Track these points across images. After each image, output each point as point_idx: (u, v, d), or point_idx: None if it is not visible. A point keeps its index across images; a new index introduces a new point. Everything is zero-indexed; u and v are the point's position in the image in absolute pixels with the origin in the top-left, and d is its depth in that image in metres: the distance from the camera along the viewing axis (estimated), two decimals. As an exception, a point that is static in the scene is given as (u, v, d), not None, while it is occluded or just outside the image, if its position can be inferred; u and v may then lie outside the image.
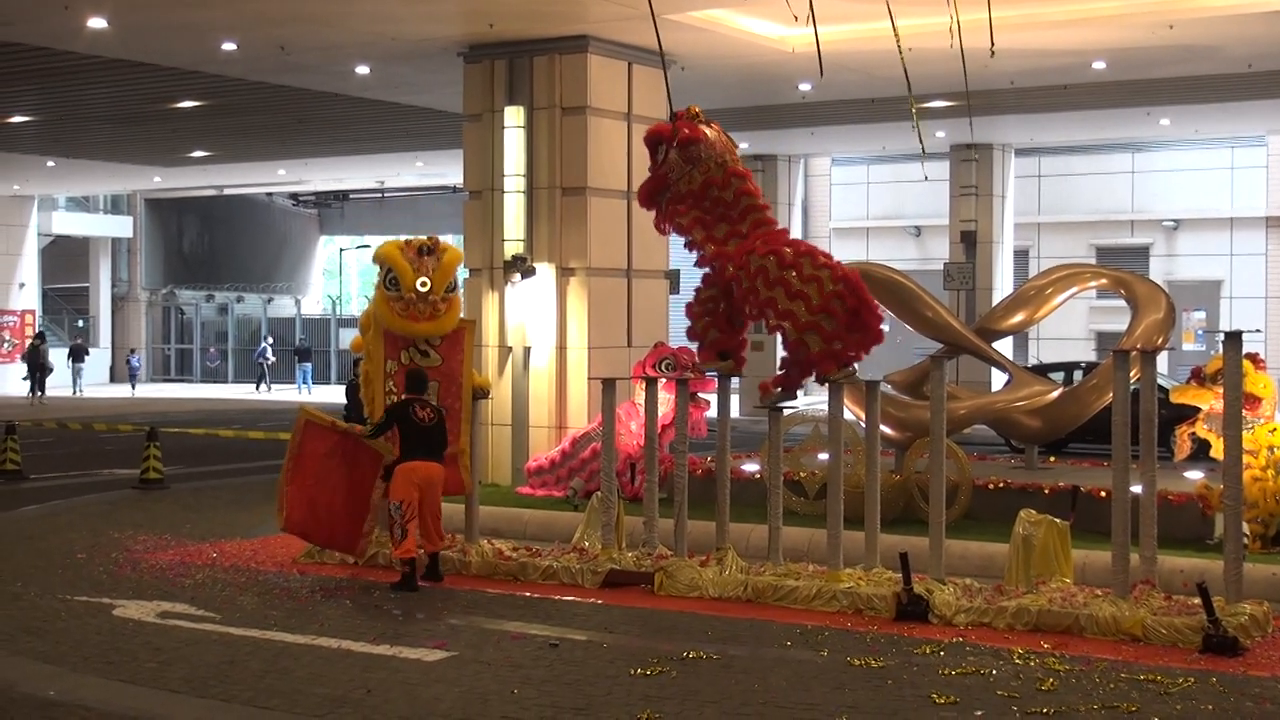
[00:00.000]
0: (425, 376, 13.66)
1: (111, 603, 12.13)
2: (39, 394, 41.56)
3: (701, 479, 15.14)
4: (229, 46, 19.87)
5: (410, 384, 13.57)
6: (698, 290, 13.10)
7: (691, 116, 13.15)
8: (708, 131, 13.01)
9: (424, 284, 13.66)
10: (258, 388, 47.52)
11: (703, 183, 12.84)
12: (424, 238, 14.03)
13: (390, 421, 13.18)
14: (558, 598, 12.42)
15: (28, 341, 44.98)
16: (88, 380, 46.93)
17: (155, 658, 10.19)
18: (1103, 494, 13.61)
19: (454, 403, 13.99)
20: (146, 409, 37.98)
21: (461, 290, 14.93)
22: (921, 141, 16.75)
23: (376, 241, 65.21)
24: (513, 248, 18.54)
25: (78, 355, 45.53)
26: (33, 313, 47.41)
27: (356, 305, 58.12)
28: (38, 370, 41.65)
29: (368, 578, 13.36)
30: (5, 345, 46.25)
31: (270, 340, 49.94)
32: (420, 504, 12.96)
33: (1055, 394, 17.33)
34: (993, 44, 13.11)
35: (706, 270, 13.01)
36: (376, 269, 14.06)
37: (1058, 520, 12.12)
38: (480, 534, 14.20)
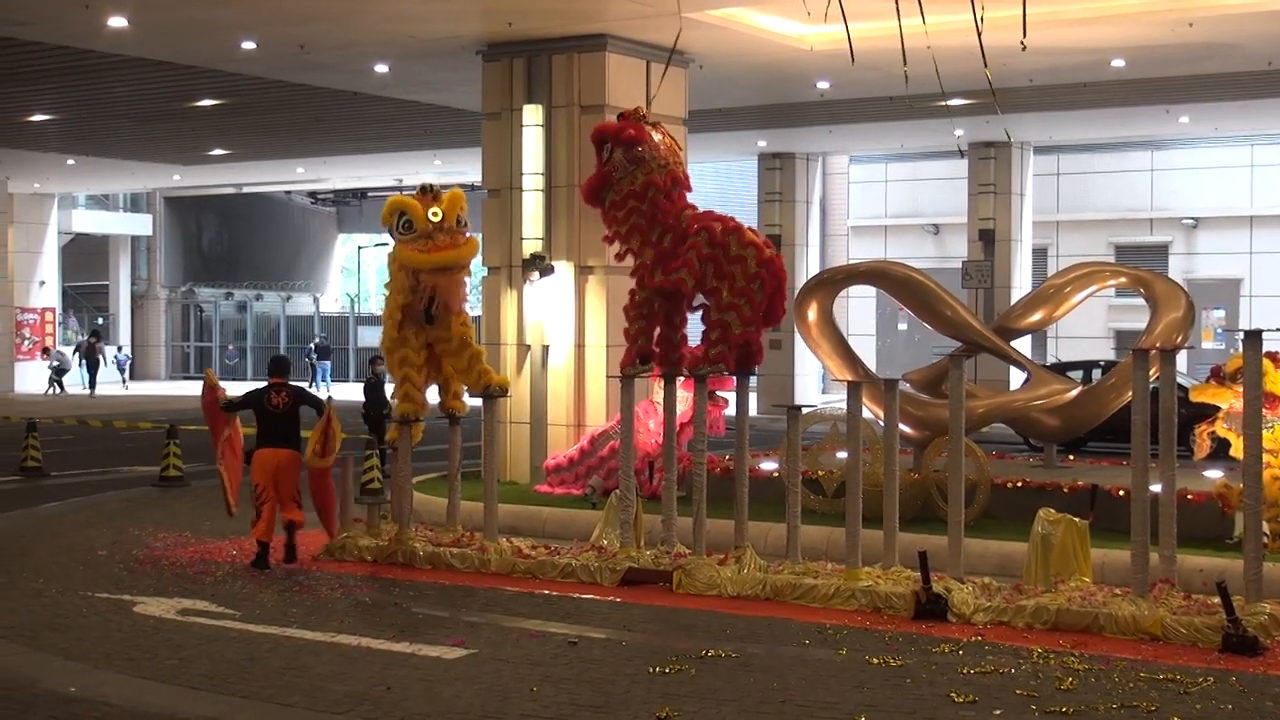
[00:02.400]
0: (286, 363, 14.83)
1: (132, 600, 12.20)
2: (92, 389, 43.80)
3: (720, 477, 15.15)
4: (248, 45, 19.93)
5: (271, 369, 14.66)
6: (632, 292, 13.53)
7: (638, 118, 13.40)
8: (654, 134, 13.25)
9: (435, 213, 13.87)
10: (311, 384, 46.99)
11: (644, 183, 13.12)
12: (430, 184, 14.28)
13: (244, 403, 14.32)
14: (576, 596, 12.44)
15: (67, 339, 46.19)
16: (105, 378, 47.17)
17: (176, 654, 10.24)
18: (1122, 493, 13.59)
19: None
20: (166, 406, 38.10)
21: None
22: (946, 103, 16.69)
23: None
24: (531, 246, 18.57)
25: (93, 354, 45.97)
26: (52, 310, 47.57)
27: (375, 303, 58.14)
28: (92, 368, 44.27)
29: (387, 575, 13.40)
30: (26, 343, 46.41)
31: (322, 337, 50.02)
32: (275, 487, 13.93)
33: (1074, 393, 17.32)
34: (1025, 36, 13.07)
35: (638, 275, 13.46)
36: (388, 233, 14.26)
37: (1077, 519, 12.10)
38: (499, 532, 14.22)
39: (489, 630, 11.05)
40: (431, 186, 14.14)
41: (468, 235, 14.07)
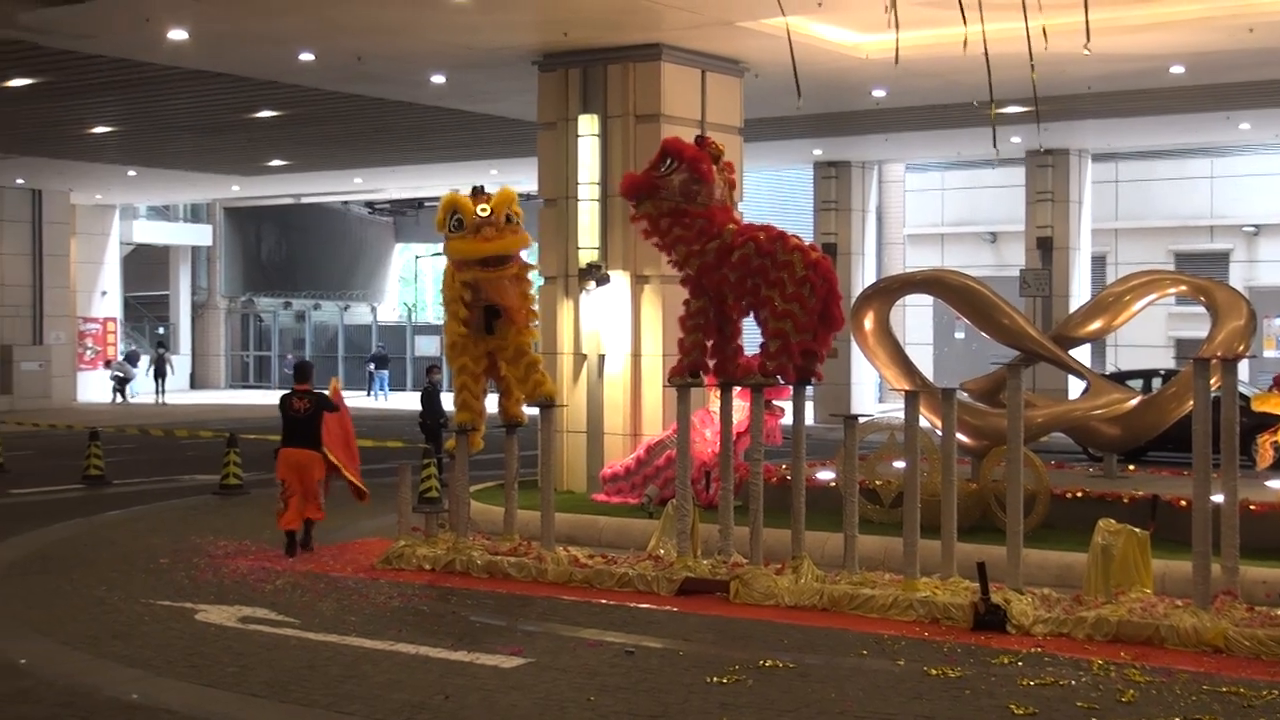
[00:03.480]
0: (308, 369, 15.92)
1: (193, 607, 12.30)
2: (162, 397, 45.11)
3: (777, 487, 15.12)
4: (306, 56, 20.09)
5: (294, 375, 15.96)
6: (686, 302, 13.45)
7: (715, 154, 13.40)
8: (716, 177, 13.27)
9: (484, 209, 14.05)
10: (369, 393, 47.23)
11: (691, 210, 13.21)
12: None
13: (280, 409, 15.48)
14: (633, 605, 12.45)
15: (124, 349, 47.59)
16: (146, 387, 47.83)
17: (236, 662, 10.32)
18: (1183, 503, 13.46)
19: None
20: (226, 415, 38.42)
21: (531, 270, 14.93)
22: (994, 133, 16.63)
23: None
24: (587, 255, 18.62)
25: (160, 364, 46.66)
26: (114, 320, 48.10)
27: (432, 312, 58.44)
28: (160, 376, 45.72)
29: (445, 583, 13.46)
30: (88, 352, 46.95)
31: (380, 346, 50.39)
32: (299, 484, 15.10)
33: (1134, 402, 17.17)
34: (1088, 40, 12.98)
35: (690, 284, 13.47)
36: (443, 233, 14.40)
37: (1137, 530, 12.00)
38: (556, 541, 14.25)
39: (546, 639, 11.07)
40: (482, 188, 14.29)
41: (515, 225, 14.17)
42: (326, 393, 15.69)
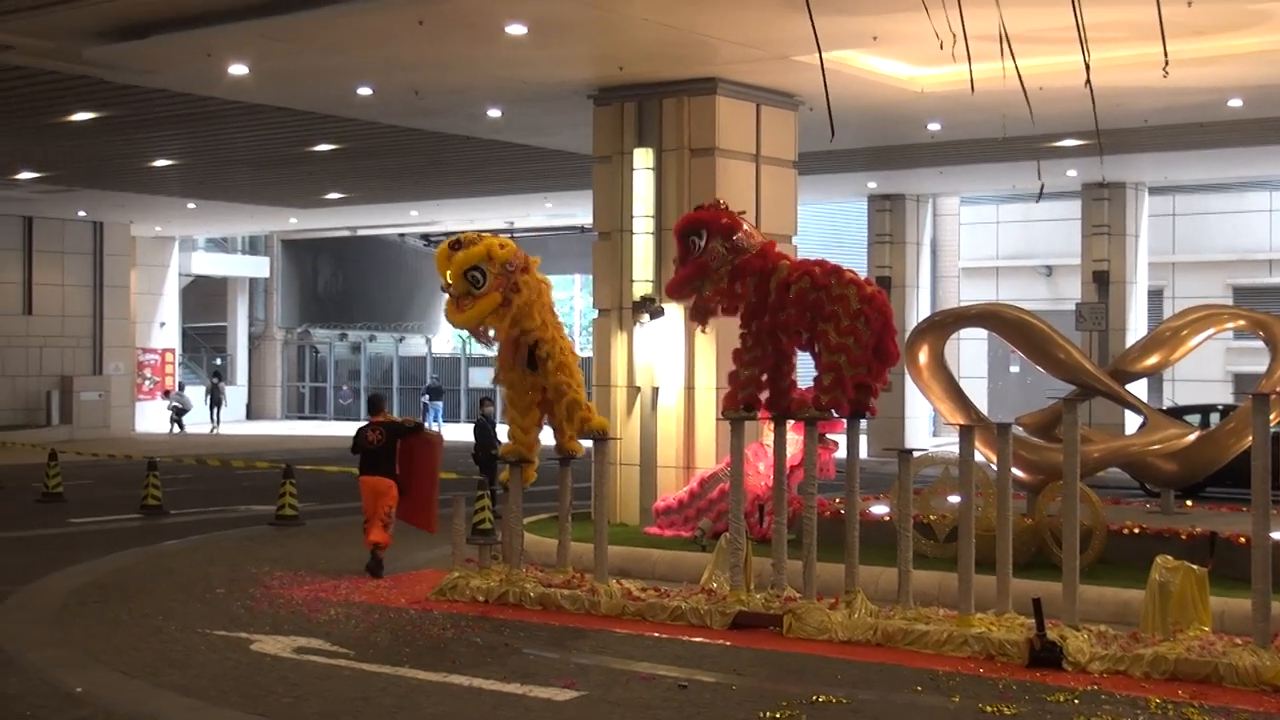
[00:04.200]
0: (379, 402, 17.22)
1: (249, 637, 12.39)
2: (216, 427, 45.96)
3: (830, 520, 15.08)
4: (364, 91, 20.29)
5: (369, 407, 17.28)
6: (743, 336, 13.50)
7: (721, 207, 13.52)
8: (741, 220, 13.46)
9: (441, 281, 13.96)
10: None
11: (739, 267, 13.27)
12: (467, 233, 14.16)
13: (356, 444, 16.52)
14: (686, 639, 12.43)
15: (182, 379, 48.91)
16: (223, 416, 48.39)
17: (291, 692, 10.38)
18: (1242, 540, 13.33)
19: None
20: (282, 445, 38.67)
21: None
22: (1040, 177, 16.58)
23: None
24: (641, 288, 18.66)
25: (216, 394, 47.28)
26: (173, 351, 48.59)
27: (486, 345, 58.61)
28: (216, 406, 46.64)
29: (498, 615, 13.49)
30: (147, 383, 47.44)
31: (435, 378, 50.72)
32: (373, 510, 16.08)
33: (1192, 437, 17.04)
34: (1166, 61, 12.92)
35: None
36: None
37: (1195, 567, 11.88)
38: (609, 574, 14.26)
39: (599, 672, 11.08)
40: (458, 240, 13.92)
41: (479, 293, 13.68)
42: (399, 419, 16.62)
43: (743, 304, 13.40)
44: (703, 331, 14.90)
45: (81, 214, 41.50)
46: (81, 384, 42.82)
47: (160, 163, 29.70)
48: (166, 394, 47.12)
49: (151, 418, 46.54)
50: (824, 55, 17.67)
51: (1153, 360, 17.32)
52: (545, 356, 14.14)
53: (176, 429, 45.20)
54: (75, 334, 43.40)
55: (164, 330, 48.23)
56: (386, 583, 15.40)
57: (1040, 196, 30.34)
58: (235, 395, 52.51)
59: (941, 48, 12.25)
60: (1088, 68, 12.44)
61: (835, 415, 13.22)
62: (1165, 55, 12.56)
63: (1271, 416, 11.60)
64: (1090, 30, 15.41)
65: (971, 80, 13.22)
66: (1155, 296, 36.74)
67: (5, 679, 10.93)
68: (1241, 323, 17.46)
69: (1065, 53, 15.17)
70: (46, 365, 42.68)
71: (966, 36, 12.12)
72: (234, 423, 48.58)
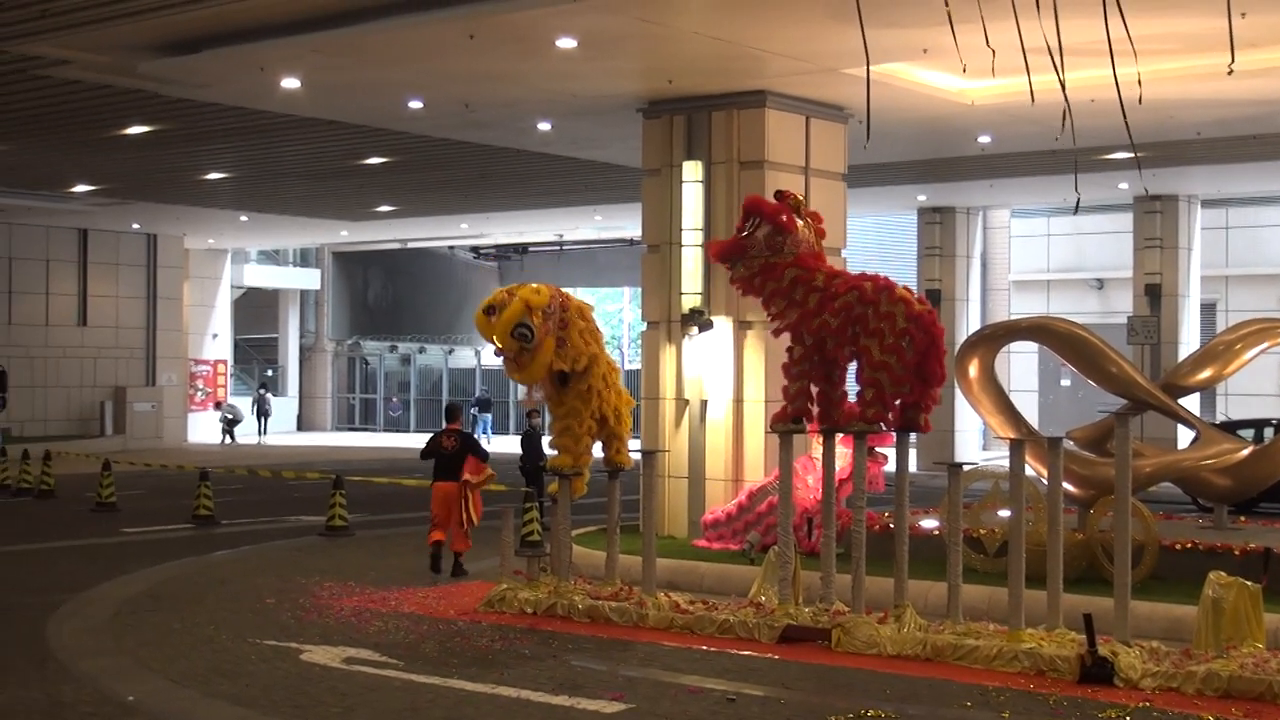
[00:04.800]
0: (456, 411, 18.30)
1: (299, 647, 12.45)
2: (263, 437, 46.98)
3: (879, 534, 15.03)
4: (415, 104, 20.40)
5: (446, 416, 18.31)
6: (790, 349, 13.39)
7: (795, 204, 13.43)
8: (800, 224, 13.28)
9: (495, 349, 14.30)
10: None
11: (783, 268, 13.21)
12: (496, 294, 14.34)
13: (430, 449, 17.43)
14: (734, 652, 12.41)
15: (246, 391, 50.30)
16: (273, 428, 48.86)
17: (340, 702, 10.43)
18: (1296, 556, 13.20)
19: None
20: (332, 456, 38.89)
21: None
22: (1077, 189, 16.55)
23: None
24: (690, 301, 18.67)
25: (263, 405, 47.96)
26: (224, 362, 48.99)
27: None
28: (263, 416, 47.89)
29: (546, 627, 13.51)
30: (199, 394, 47.83)
31: (484, 390, 51.00)
32: (445, 515, 16.95)
33: (1245, 452, 16.89)
34: (1232, 59, 12.83)
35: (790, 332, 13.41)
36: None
37: (1249, 583, 11.77)
38: (657, 586, 14.26)
39: (647, 685, 11.08)
40: (493, 306, 14.07)
41: (532, 346, 13.90)
42: (474, 435, 16.75)
43: (758, 296, 13.43)
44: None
45: (136, 226, 41.92)
46: (135, 395, 43.24)
47: (213, 176, 29.96)
48: (218, 405, 47.49)
49: (203, 428, 46.93)
50: (873, 68, 17.69)
51: (1206, 374, 17.18)
52: (574, 374, 14.32)
53: (228, 440, 45.55)
54: (129, 345, 43.85)
55: (216, 342, 48.63)
56: (435, 593, 15.45)
57: (1077, 209, 30.13)
58: (286, 406, 52.95)
59: (995, 56, 12.21)
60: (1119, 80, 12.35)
61: (884, 429, 13.18)
62: (1232, 54, 12.45)
63: (1326, 431, 11.48)
64: (1142, 42, 15.36)
65: (1031, 92, 13.16)
66: (1208, 310, 36.42)
67: (59, 687, 11.03)
68: (1296, 337, 17.29)
69: (1117, 64, 15.09)
70: (101, 376, 43.12)
71: (1024, 49, 12.08)
72: (284, 434, 48.93)
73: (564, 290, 14.48)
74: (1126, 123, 12.90)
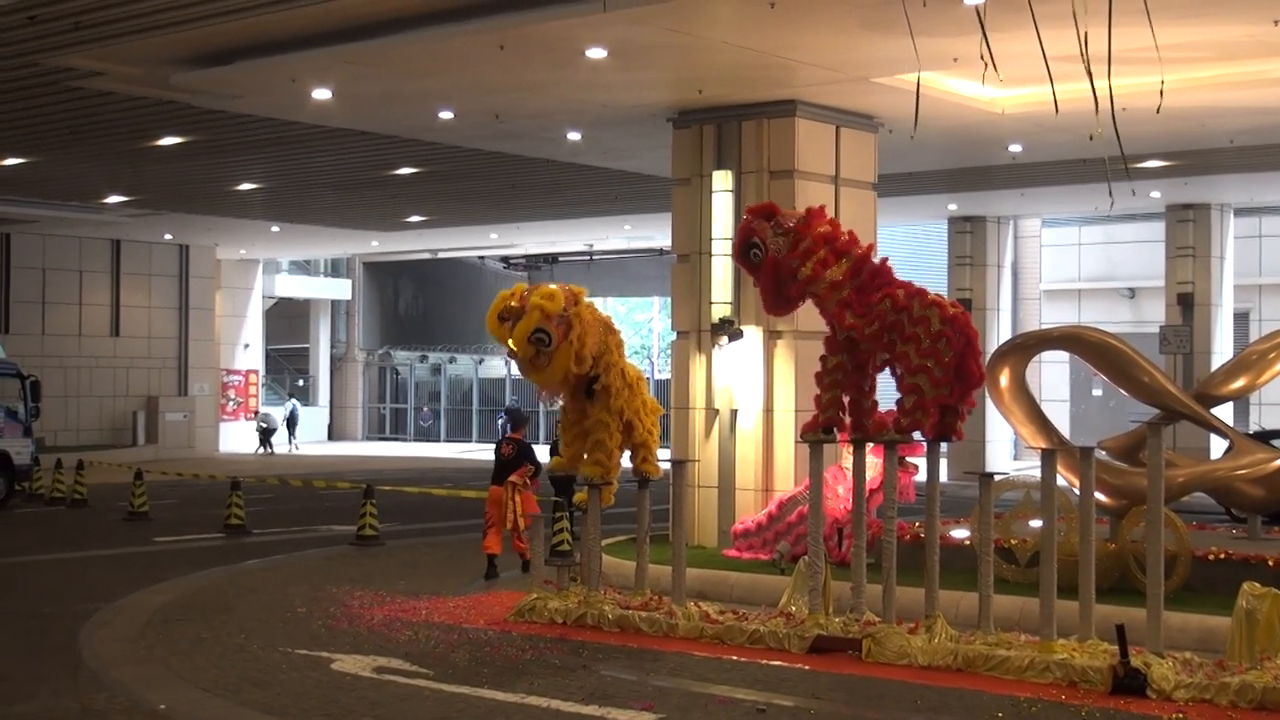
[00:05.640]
0: (519, 418, 19.06)
1: (330, 656, 12.48)
2: (293, 447, 47.39)
3: (910, 544, 14.98)
4: (446, 115, 20.46)
5: (511, 422, 19.11)
6: (823, 359, 13.37)
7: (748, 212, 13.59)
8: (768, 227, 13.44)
9: (510, 352, 14.39)
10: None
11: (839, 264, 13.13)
12: (504, 297, 14.40)
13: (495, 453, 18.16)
14: (764, 662, 12.39)
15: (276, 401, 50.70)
16: (304, 438, 49.08)
17: (371, 711, 10.44)
18: (1331, 567, 13.11)
19: None
20: (362, 466, 39.00)
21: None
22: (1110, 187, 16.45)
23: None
24: (720, 310, 18.66)
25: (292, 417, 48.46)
26: (256, 372, 49.19)
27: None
28: (293, 425, 48.22)
29: (576, 637, 13.51)
30: (230, 404, 48.04)
31: (514, 400, 51.18)
32: (499, 517, 17.34)
33: (1278, 462, 16.77)
34: None
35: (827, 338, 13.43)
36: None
37: (1283, 594, 11.70)
38: (687, 596, 14.24)
39: (677, 695, 11.06)
40: (507, 315, 14.14)
41: (550, 350, 13.91)
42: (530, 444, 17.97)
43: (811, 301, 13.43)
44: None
45: (168, 237, 42.16)
46: (167, 404, 43.48)
47: (245, 186, 30.11)
48: (255, 413, 47.76)
49: (235, 438, 47.14)
50: (905, 76, 17.69)
51: (1239, 384, 17.09)
52: (602, 389, 14.38)
53: (264, 449, 45.76)
54: (161, 355, 44.09)
55: (248, 352, 48.84)
56: (465, 603, 15.47)
57: (1111, 205, 30.01)
58: (317, 416, 53.15)
59: (1025, 64, 12.18)
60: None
61: (916, 438, 13.15)
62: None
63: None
64: (1174, 50, 15.33)
65: (1055, 103, 13.14)
66: (1241, 319, 36.23)
67: (91, 695, 11.09)
68: (1330, 346, 17.17)
69: (1148, 73, 15.05)
70: (133, 386, 43.37)
71: (1046, 57, 12.05)
72: (315, 443, 49.08)
73: (576, 290, 14.41)
74: (1116, 126, 12.78)
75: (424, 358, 56.94)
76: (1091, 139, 13.83)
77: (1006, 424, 18.14)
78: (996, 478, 13.50)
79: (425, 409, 55.94)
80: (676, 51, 16.43)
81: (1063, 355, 33.14)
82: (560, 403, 14.93)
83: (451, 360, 56.86)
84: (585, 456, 14.62)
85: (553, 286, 14.32)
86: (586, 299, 14.40)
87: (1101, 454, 16.05)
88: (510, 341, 14.07)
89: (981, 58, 11.91)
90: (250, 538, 21.99)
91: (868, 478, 13.99)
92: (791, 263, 13.23)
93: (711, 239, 18.79)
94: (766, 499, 18.16)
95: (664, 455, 15.32)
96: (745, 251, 13.52)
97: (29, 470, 28.06)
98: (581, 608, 14.13)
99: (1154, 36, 11.93)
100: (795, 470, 18.02)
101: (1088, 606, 12.07)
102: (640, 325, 71.24)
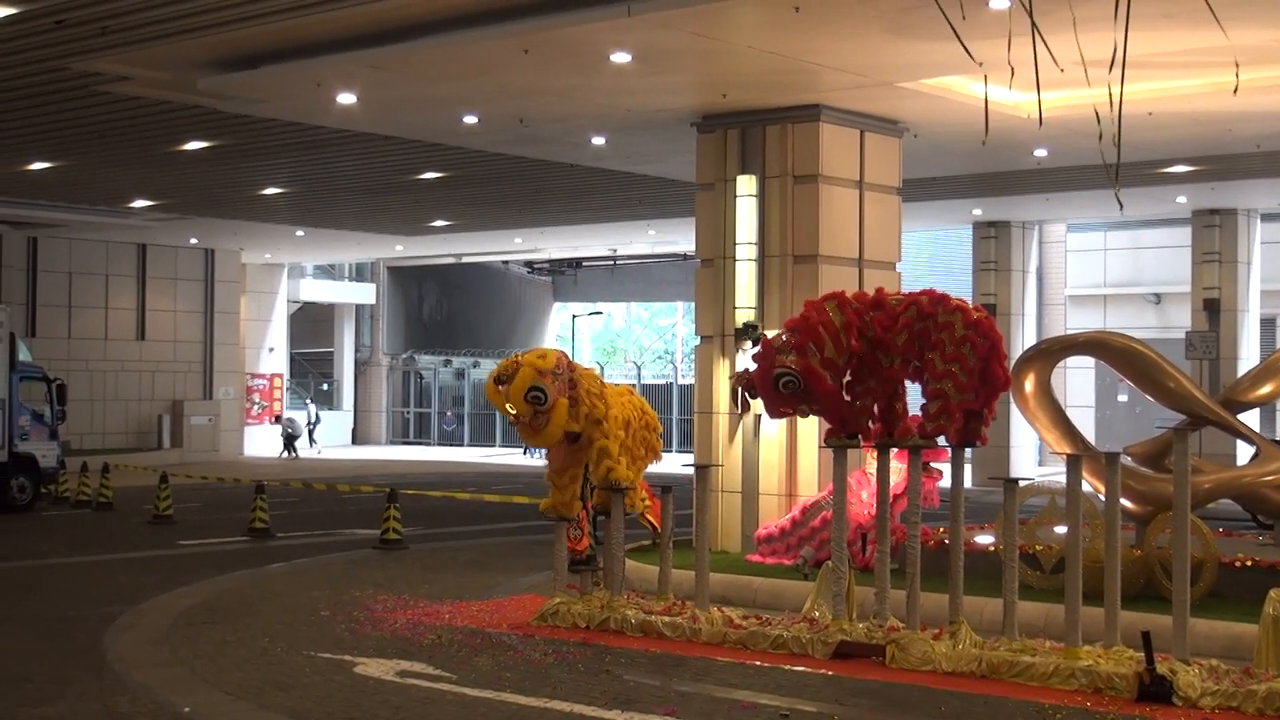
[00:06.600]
0: None
1: (353, 660, 12.50)
2: (316, 450, 47.77)
3: (934, 550, 14.94)
4: (470, 119, 20.49)
5: None
6: (855, 367, 13.31)
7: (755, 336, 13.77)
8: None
9: (510, 413, 14.31)
10: (524, 452, 47.31)
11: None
12: (503, 364, 14.44)
13: None
14: (788, 668, 12.37)
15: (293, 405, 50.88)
16: (328, 442, 49.27)
17: (394, 715, 10.46)
18: (1359, 574, 13.02)
19: None
20: (386, 470, 39.07)
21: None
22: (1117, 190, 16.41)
23: (609, 308, 66.25)
24: (744, 315, 18.64)
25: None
26: (280, 376, 49.33)
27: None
28: (312, 429, 48.54)
29: (599, 641, 13.50)
30: (255, 408, 48.18)
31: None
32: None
33: (1306, 468, 16.67)
34: None
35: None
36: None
37: (1310, 601, 11.62)
38: (710, 601, 14.22)
39: (700, 700, 11.05)
40: (501, 377, 14.22)
41: (545, 408, 14.05)
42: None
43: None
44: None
45: (193, 241, 42.31)
46: (192, 408, 43.62)
47: (270, 191, 30.20)
48: (278, 419, 47.90)
49: (259, 442, 47.27)
50: (928, 81, 17.65)
51: (1265, 390, 16.99)
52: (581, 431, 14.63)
53: (289, 453, 45.88)
54: (186, 359, 44.24)
55: (272, 356, 48.99)
56: (488, 607, 15.48)
57: (1120, 209, 29.91)
58: (341, 420, 53.29)
59: (1048, 70, 12.14)
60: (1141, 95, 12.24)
61: (940, 443, 13.11)
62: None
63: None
64: (1200, 55, 15.27)
65: (1097, 114, 13.09)
66: (1268, 325, 36.05)
67: (115, 698, 11.13)
68: (1358, 352, 17.07)
69: (1175, 78, 15.00)
70: (158, 390, 43.52)
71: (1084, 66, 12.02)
72: (339, 447, 49.16)
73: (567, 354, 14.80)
74: (1119, 128, 12.73)
75: (448, 362, 57.02)
76: (1100, 140, 13.80)
77: (1031, 429, 18.05)
78: (1021, 483, 13.44)
79: (449, 413, 55.99)
80: (701, 56, 16.42)
81: (1088, 361, 33.03)
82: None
83: (475, 365, 56.92)
84: (598, 466, 14.72)
85: (545, 348, 14.52)
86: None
87: (1127, 460, 15.97)
88: (508, 405, 14.16)
89: (1009, 63, 11.88)
90: (274, 541, 22.05)
91: (892, 483, 13.94)
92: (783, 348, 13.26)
93: (736, 243, 18.77)
94: (790, 504, 18.13)
95: (687, 460, 15.30)
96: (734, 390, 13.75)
97: (55, 473, 28.19)
98: (604, 612, 14.13)
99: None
100: (819, 475, 17.99)
101: (1113, 613, 12.02)
102: (664, 330, 71.27)
